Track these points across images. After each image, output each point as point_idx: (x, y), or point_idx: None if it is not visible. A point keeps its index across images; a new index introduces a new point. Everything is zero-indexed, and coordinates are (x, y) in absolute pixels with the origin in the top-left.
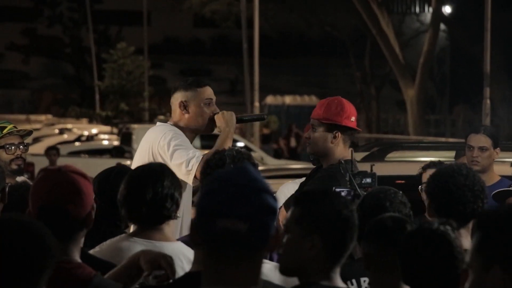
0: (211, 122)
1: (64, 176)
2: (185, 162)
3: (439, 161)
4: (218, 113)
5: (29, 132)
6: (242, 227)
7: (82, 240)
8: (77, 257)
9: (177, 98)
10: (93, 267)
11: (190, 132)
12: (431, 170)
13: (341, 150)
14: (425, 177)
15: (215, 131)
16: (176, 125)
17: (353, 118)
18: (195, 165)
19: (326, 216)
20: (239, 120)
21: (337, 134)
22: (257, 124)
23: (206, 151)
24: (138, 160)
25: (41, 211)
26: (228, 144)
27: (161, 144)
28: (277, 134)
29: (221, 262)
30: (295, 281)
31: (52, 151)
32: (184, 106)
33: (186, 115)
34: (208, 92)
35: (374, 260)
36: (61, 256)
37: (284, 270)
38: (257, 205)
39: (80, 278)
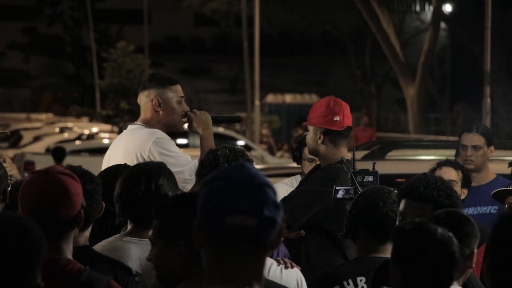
0: (182, 120)
1: (51, 178)
2: (186, 171)
3: (448, 159)
4: (188, 111)
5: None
6: (251, 222)
7: (72, 238)
8: (68, 255)
9: (149, 96)
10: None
11: (162, 129)
12: (445, 168)
13: (332, 150)
14: (439, 174)
15: (189, 129)
16: (147, 123)
17: (336, 118)
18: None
19: None
20: (214, 120)
21: (320, 136)
22: (257, 123)
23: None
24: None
25: (30, 215)
26: (213, 146)
27: (152, 150)
28: (278, 132)
29: (226, 260)
30: (295, 280)
31: None
32: (159, 103)
33: (161, 112)
34: (180, 89)
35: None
36: (53, 255)
37: None
38: (264, 200)
39: (69, 273)
